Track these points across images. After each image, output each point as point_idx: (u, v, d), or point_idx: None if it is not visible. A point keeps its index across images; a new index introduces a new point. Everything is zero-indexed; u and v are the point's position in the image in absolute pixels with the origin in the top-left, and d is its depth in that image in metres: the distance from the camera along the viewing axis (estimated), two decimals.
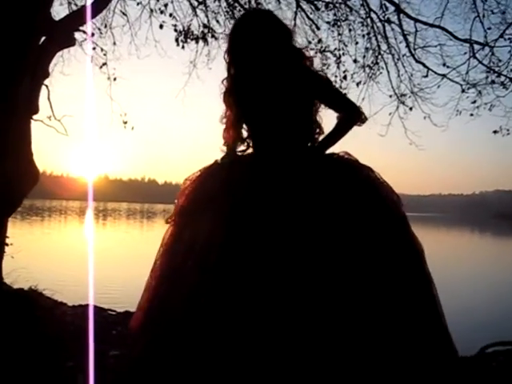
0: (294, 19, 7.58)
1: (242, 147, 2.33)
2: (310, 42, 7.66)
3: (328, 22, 7.67)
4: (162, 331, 1.99)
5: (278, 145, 2.20)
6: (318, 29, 7.70)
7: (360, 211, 2.04)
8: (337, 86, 7.71)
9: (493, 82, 7.39)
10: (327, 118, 2.35)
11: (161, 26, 7.19)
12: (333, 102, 2.32)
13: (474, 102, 7.53)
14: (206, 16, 7.38)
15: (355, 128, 2.34)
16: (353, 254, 1.96)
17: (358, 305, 1.90)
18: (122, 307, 5.27)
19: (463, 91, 7.59)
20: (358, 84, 7.88)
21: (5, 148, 4.49)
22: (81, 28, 5.91)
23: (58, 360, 3.37)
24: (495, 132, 7.43)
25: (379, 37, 7.82)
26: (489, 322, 7.49)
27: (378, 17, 7.72)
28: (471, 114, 7.57)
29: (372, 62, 7.92)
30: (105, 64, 7.09)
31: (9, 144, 4.54)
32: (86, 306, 5.01)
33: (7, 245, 5.12)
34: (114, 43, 7.27)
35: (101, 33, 7.18)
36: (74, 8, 6.69)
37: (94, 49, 7.03)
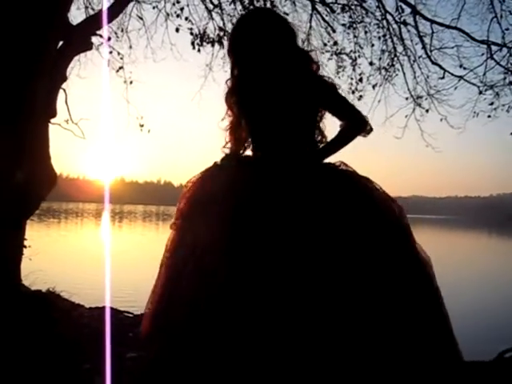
0: (310, 22, 7.60)
1: (241, 149, 2.31)
2: (325, 45, 7.67)
3: (344, 25, 7.67)
4: (166, 338, 1.98)
5: (277, 149, 2.15)
6: (334, 31, 7.70)
7: (357, 221, 1.98)
8: (352, 88, 7.70)
9: (510, 83, 7.33)
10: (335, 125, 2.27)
11: (177, 30, 7.24)
12: (336, 109, 2.23)
13: (492, 103, 7.48)
14: (222, 19, 7.41)
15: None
16: (353, 260, 1.91)
17: (360, 311, 1.86)
18: (138, 310, 5.29)
19: (480, 93, 7.54)
20: (373, 86, 7.87)
21: (23, 151, 4.53)
22: (97, 32, 5.95)
23: (75, 362, 3.38)
24: None
25: (395, 39, 7.80)
26: (508, 326, 7.39)
27: (394, 18, 7.70)
28: (489, 116, 7.52)
29: (388, 64, 7.90)
30: (121, 68, 7.16)
31: (27, 147, 4.59)
32: (103, 308, 5.04)
33: (25, 247, 5.17)
34: (130, 47, 7.35)
35: (117, 37, 7.26)
36: (91, 12, 6.77)
37: (110, 52, 7.11)
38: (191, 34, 7.27)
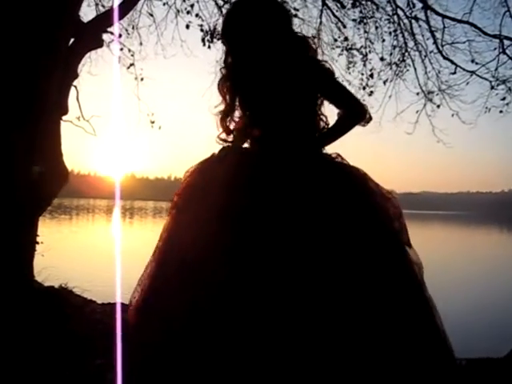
0: (320, 17, 7.58)
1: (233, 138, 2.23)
2: (335, 40, 7.65)
3: (354, 20, 7.65)
4: (161, 337, 1.91)
5: (275, 138, 2.09)
6: (344, 27, 7.68)
7: (348, 226, 1.92)
8: (363, 84, 7.67)
9: None
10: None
11: (187, 26, 7.26)
12: (333, 97, 2.14)
13: (504, 98, 7.44)
14: None
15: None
16: (347, 260, 1.87)
17: (354, 315, 1.81)
18: None
19: (492, 88, 7.49)
20: (384, 82, 7.85)
21: (35, 148, 4.56)
22: (108, 29, 5.98)
23: (87, 358, 3.41)
24: None
25: (406, 34, 7.77)
26: None
27: (405, 13, 7.67)
28: (500, 111, 7.49)
29: (399, 60, 7.87)
30: (132, 65, 7.20)
31: (39, 145, 4.62)
32: (115, 304, 5.06)
33: (38, 243, 5.21)
34: (141, 43, 7.39)
35: (128, 33, 7.30)
36: (102, 9, 6.80)
37: (121, 49, 7.15)
38: (201, 30, 7.29)
